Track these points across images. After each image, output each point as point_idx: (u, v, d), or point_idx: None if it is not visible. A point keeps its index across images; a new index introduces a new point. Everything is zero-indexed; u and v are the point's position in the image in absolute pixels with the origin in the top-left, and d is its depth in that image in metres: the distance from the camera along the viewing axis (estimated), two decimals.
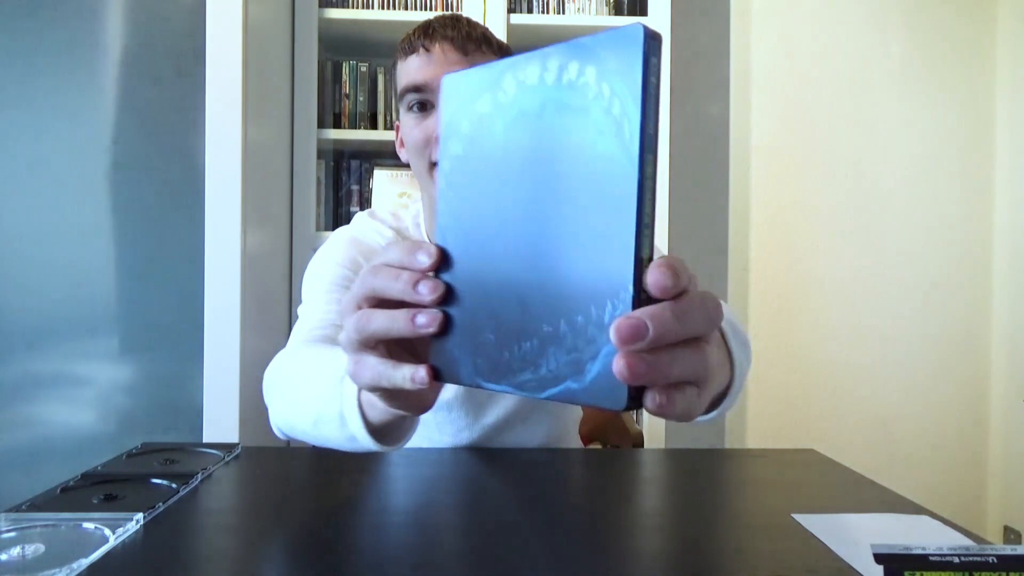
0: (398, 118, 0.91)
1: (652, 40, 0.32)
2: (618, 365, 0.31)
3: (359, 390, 0.51)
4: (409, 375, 0.40)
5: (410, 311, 0.39)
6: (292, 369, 0.67)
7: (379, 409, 0.50)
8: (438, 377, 0.40)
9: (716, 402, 0.64)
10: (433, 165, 0.83)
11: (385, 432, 0.53)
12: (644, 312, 0.32)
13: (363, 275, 0.42)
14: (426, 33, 0.83)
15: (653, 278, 0.32)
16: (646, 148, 0.32)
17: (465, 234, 0.39)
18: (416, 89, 0.83)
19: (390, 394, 0.45)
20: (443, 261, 0.40)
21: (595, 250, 0.33)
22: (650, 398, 0.32)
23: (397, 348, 0.43)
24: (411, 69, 0.84)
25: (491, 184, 0.38)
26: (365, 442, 0.53)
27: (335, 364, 0.57)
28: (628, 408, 0.32)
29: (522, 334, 0.36)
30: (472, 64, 0.78)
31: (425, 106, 0.84)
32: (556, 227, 0.35)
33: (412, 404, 0.47)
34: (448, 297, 0.39)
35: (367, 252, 0.90)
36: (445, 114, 0.41)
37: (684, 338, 0.33)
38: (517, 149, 0.37)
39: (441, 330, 0.39)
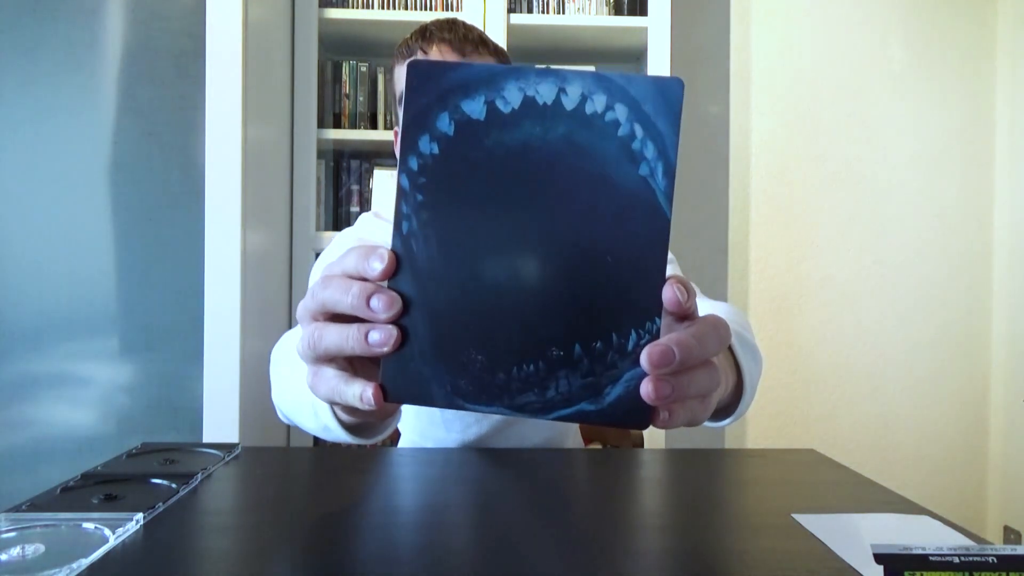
0: (397, 123, 0.92)
1: (680, 82, 0.34)
2: (646, 389, 0.34)
3: None
4: (359, 394, 0.37)
5: (363, 327, 0.37)
6: (284, 354, 0.68)
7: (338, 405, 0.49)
8: (388, 398, 0.37)
9: (728, 408, 0.65)
10: None
11: (359, 428, 0.53)
12: (671, 339, 0.34)
13: (314, 286, 0.39)
14: (423, 36, 0.84)
15: (668, 295, 0.34)
16: (672, 194, 0.34)
17: (439, 244, 0.36)
18: None
19: (347, 407, 0.44)
20: (403, 269, 0.36)
21: (617, 281, 0.34)
22: (659, 415, 0.35)
23: (359, 358, 0.40)
24: None
25: (479, 195, 0.35)
26: (339, 434, 0.52)
27: None
28: (646, 426, 0.35)
29: (522, 356, 0.35)
30: None
31: None
32: (567, 254, 0.35)
33: (372, 413, 0.45)
34: (412, 311, 0.36)
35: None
36: (414, 104, 0.36)
37: (701, 360, 0.35)
38: (518, 165, 0.35)
39: (396, 347, 0.36)
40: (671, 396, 0.34)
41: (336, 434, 0.53)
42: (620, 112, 0.34)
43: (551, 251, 0.35)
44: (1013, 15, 2.05)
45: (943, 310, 2.09)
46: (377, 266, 0.36)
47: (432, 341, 0.36)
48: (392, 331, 0.36)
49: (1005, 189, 2.08)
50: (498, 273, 0.35)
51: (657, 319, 0.34)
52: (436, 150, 0.36)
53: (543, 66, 0.36)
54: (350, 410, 0.44)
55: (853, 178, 2.07)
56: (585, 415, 0.35)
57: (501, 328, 0.36)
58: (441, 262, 0.36)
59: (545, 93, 0.35)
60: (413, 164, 0.36)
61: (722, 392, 0.57)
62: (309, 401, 0.55)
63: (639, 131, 0.34)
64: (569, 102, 0.35)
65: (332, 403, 0.41)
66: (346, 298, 0.37)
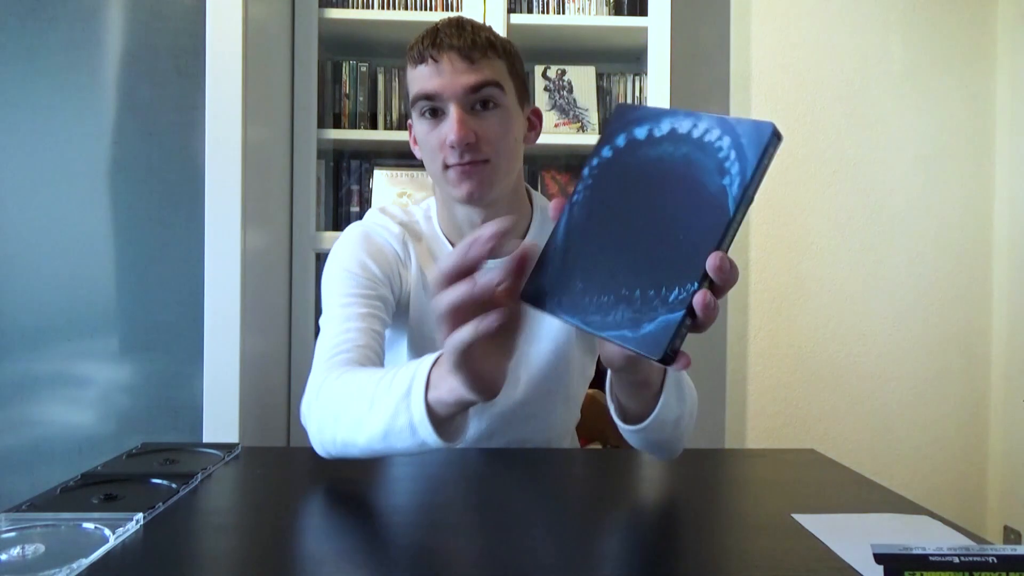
0: (411, 116, 0.93)
1: (775, 137, 0.46)
2: (702, 299, 0.45)
3: (426, 401, 0.60)
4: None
5: (480, 319, 0.49)
6: (346, 396, 0.71)
7: (445, 404, 0.59)
8: (525, 297, 0.52)
9: (640, 416, 0.72)
10: (447, 167, 0.87)
11: (449, 432, 0.62)
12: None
13: (439, 303, 0.51)
14: (433, 43, 0.85)
15: (713, 262, 0.46)
16: (743, 201, 0.46)
17: (588, 211, 0.53)
18: (427, 97, 0.86)
19: (470, 369, 0.53)
20: (565, 222, 0.53)
21: (678, 252, 0.48)
22: (682, 360, 0.47)
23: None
24: (421, 78, 0.86)
25: (621, 185, 0.52)
26: (435, 444, 0.61)
27: (392, 384, 0.64)
28: (661, 360, 0.46)
29: (603, 290, 0.49)
30: (479, 70, 0.85)
31: (436, 112, 0.87)
32: (656, 227, 0.49)
33: (485, 385, 0.54)
34: (560, 245, 0.52)
35: (375, 252, 0.93)
36: (609, 128, 0.55)
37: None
38: (651, 170, 0.51)
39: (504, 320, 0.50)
40: (713, 315, 0.46)
41: (432, 445, 0.61)
42: (725, 141, 0.48)
43: (647, 227, 0.50)
44: (1013, 15, 2.05)
45: (943, 310, 2.09)
46: (475, 253, 0.50)
47: (560, 268, 0.52)
48: (500, 313, 0.49)
49: (1005, 189, 2.08)
50: (611, 233, 0.51)
51: (696, 283, 0.46)
52: (609, 154, 0.54)
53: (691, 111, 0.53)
54: (470, 371, 0.54)
55: (853, 178, 2.07)
56: (624, 339, 0.47)
57: (600, 269, 0.50)
58: (583, 221, 0.52)
59: (684, 126, 0.50)
60: (594, 161, 0.54)
61: (658, 375, 0.70)
62: (404, 424, 0.62)
63: (733, 154, 0.47)
64: (696, 132, 0.50)
65: (464, 351, 0.51)
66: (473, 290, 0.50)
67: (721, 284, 0.47)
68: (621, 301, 0.48)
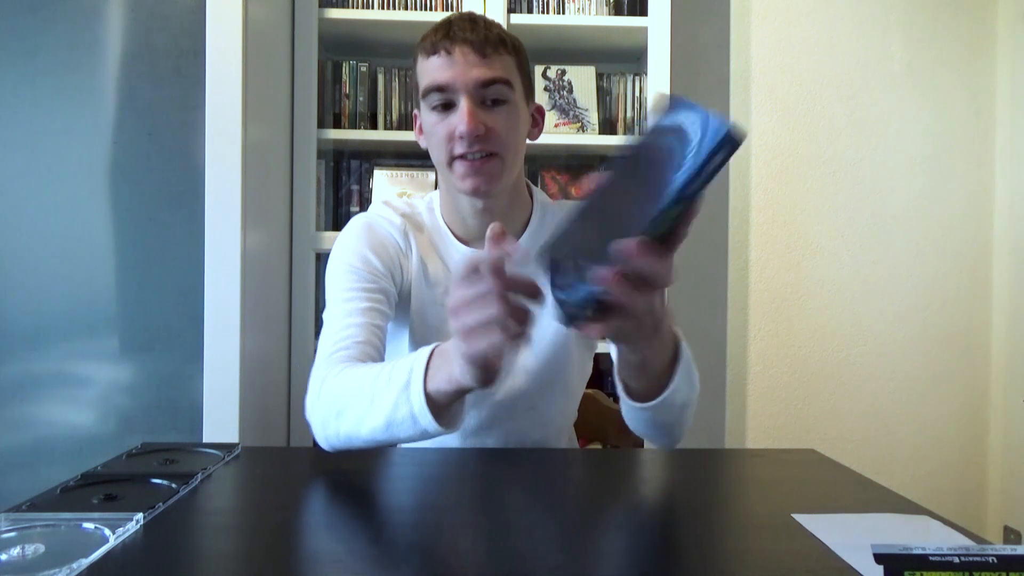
0: (417, 107, 0.94)
1: (728, 139, 0.48)
2: (602, 274, 0.52)
3: (425, 392, 0.65)
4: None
5: (505, 332, 0.56)
6: (346, 393, 0.75)
7: (444, 393, 0.64)
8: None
9: (647, 395, 0.76)
10: (453, 159, 0.88)
11: (448, 419, 0.67)
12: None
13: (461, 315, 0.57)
14: (447, 35, 0.86)
15: (622, 245, 0.51)
16: (682, 196, 0.49)
17: (599, 191, 0.59)
18: (439, 89, 0.87)
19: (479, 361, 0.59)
20: (584, 199, 0.60)
21: (618, 235, 0.52)
22: (594, 330, 0.58)
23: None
24: (433, 69, 0.87)
25: (626, 170, 0.57)
26: (435, 431, 0.66)
27: (392, 378, 0.69)
28: (566, 324, 0.57)
29: (571, 260, 0.56)
30: (491, 66, 0.86)
31: (448, 105, 0.88)
32: (621, 211, 0.55)
33: (488, 376, 0.60)
34: (571, 219, 0.59)
35: (377, 244, 0.94)
36: (650, 116, 0.61)
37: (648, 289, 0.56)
38: (648, 155, 0.55)
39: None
40: (618, 289, 0.52)
41: (432, 432, 0.66)
42: (696, 136, 0.50)
43: (617, 210, 0.56)
44: (1013, 15, 2.05)
45: (943, 310, 2.09)
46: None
47: (561, 239, 0.59)
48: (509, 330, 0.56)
49: (1005, 189, 2.07)
50: (599, 213, 0.57)
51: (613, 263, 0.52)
52: (635, 142, 0.58)
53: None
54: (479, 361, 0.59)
55: (853, 178, 2.07)
56: (560, 302, 0.56)
57: (578, 243, 0.57)
58: (591, 201, 0.59)
59: (681, 119, 0.53)
60: (615, 152, 0.59)
61: (661, 361, 0.73)
62: (405, 414, 0.66)
63: (695, 150, 0.50)
64: (686, 125, 0.52)
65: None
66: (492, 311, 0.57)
67: (632, 268, 0.51)
68: (574, 271, 0.55)
